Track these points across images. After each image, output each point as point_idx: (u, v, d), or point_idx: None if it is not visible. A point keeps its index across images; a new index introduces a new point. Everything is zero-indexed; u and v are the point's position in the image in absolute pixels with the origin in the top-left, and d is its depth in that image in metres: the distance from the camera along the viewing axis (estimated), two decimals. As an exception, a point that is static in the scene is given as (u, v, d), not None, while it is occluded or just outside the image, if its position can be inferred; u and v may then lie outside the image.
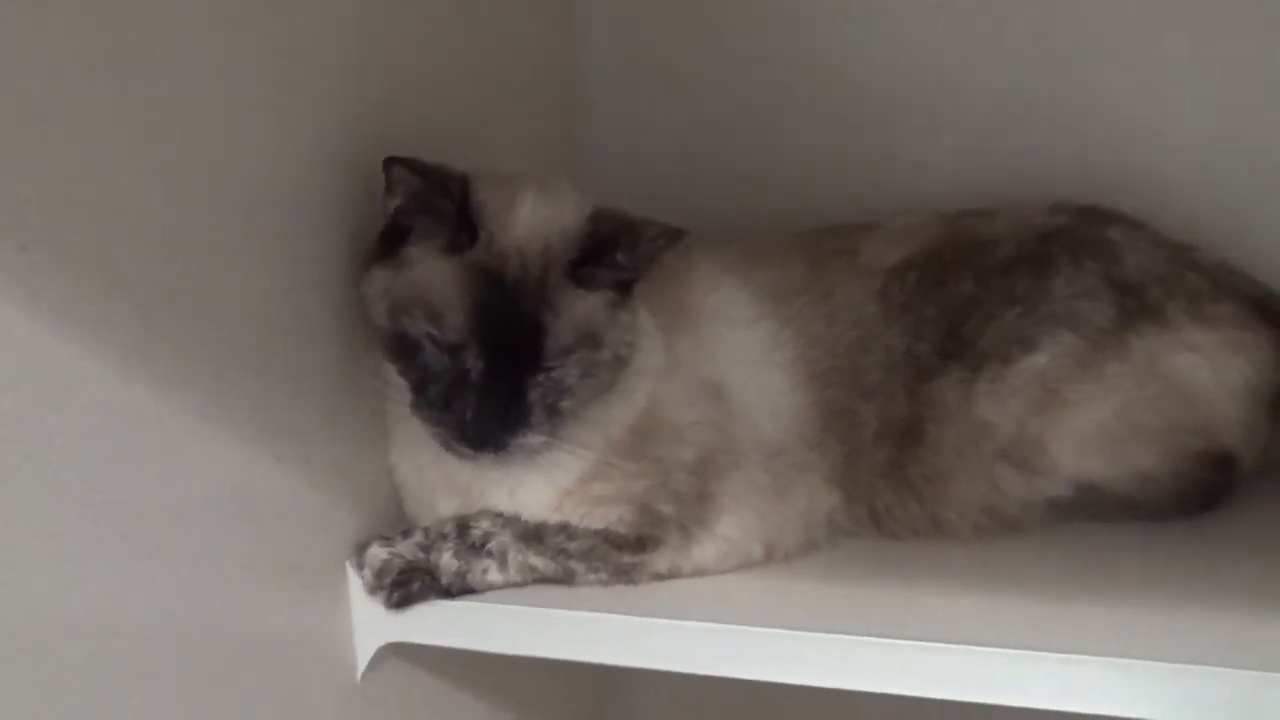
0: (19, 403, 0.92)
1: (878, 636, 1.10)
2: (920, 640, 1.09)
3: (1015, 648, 1.06)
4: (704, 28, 1.74)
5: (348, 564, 1.26)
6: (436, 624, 1.23)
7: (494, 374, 1.17)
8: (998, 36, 1.61)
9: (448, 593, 1.22)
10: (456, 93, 1.45)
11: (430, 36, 1.40)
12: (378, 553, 1.23)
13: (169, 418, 1.05)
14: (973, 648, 1.08)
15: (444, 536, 1.23)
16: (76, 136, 0.96)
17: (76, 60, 0.95)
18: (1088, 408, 1.32)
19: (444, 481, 1.27)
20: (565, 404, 1.20)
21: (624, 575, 1.24)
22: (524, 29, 1.65)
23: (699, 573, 1.27)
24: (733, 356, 1.33)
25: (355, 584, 1.25)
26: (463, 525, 1.23)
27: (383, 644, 1.26)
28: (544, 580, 1.24)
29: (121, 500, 1.01)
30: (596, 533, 1.24)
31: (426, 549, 1.23)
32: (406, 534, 1.25)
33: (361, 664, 1.28)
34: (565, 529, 1.24)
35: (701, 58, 1.74)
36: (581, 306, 1.20)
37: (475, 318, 1.16)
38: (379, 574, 1.22)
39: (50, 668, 0.95)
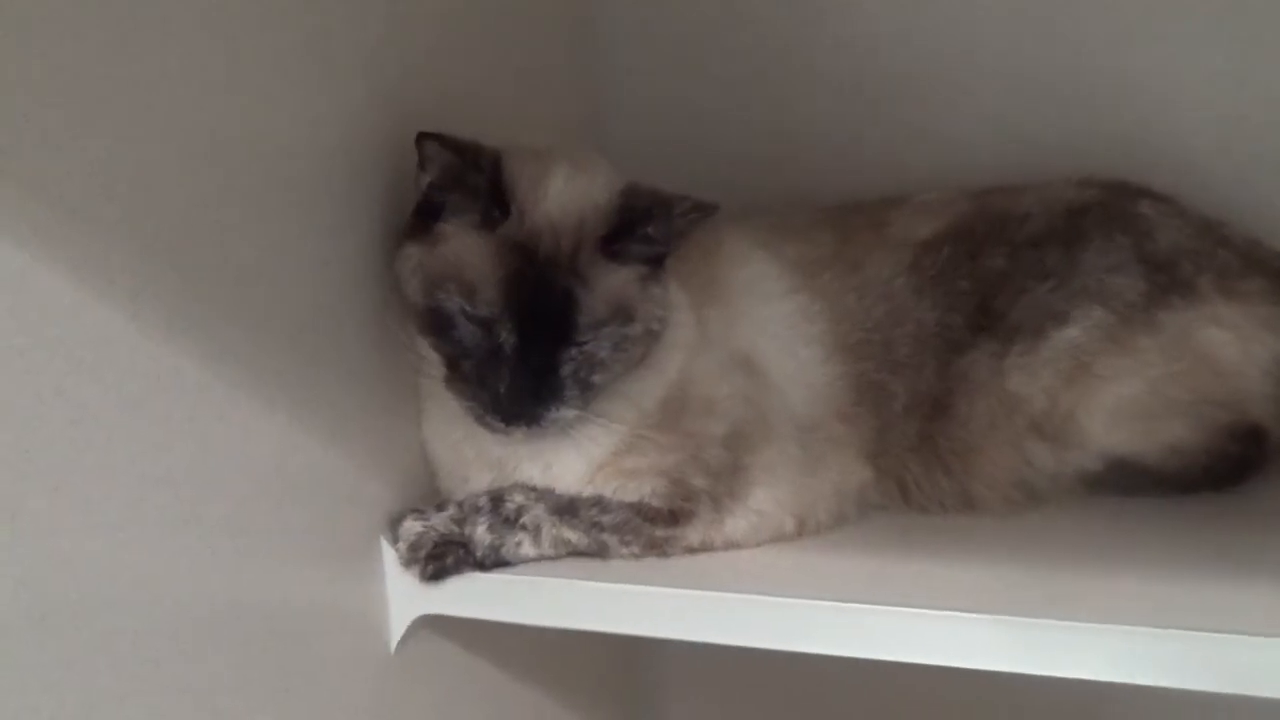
0: (61, 372, 0.93)
1: (908, 607, 1.10)
2: (950, 611, 1.09)
3: (1045, 618, 1.06)
4: (726, 2, 1.73)
5: (382, 537, 1.27)
6: (470, 596, 1.24)
7: (527, 348, 1.17)
8: (1022, 11, 1.60)
9: (481, 566, 1.23)
10: (481, 69, 1.45)
11: (455, 12, 1.40)
12: (412, 526, 1.24)
13: (206, 389, 1.06)
14: (1003, 618, 1.07)
15: (478, 510, 1.24)
16: (115, 111, 0.96)
17: (113, 39, 0.96)
18: (1118, 382, 1.33)
19: (477, 456, 1.28)
20: (597, 378, 1.21)
21: (656, 548, 1.25)
22: (547, 3, 1.65)
23: (731, 546, 1.27)
24: (764, 330, 1.34)
25: (390, 557, 1.26)
26: (496, 498, 1.24)
27: (417, 616, 1.27)
28: (577, 553, 1.25)
29: (159, 471, 1.02)
30: (629, 505, 1.24)
31: (460, 522, 1.24)
32: (440, 507, 1.26)
33: (395, 636, 1.28)
34: (598, 502, 1.24)
35: (724, 32, 1.73)
36: (613, 281, 1.20)
37: (508, 292, 1.17)
38: (413, 547, 1.23)
39: (88, 637, 0.95)
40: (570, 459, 1.25)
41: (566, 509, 1.24)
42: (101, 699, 0.97)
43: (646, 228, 1.21)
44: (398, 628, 1.28)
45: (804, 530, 1.30)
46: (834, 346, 1.35)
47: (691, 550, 1.26)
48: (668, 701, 1.98)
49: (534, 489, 1.25)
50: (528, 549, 1.23)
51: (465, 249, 1.19)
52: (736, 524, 1.27)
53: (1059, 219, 1.40)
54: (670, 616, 1.19)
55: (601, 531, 1.24)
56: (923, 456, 1.36)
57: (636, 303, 1.22)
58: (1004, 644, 1.08)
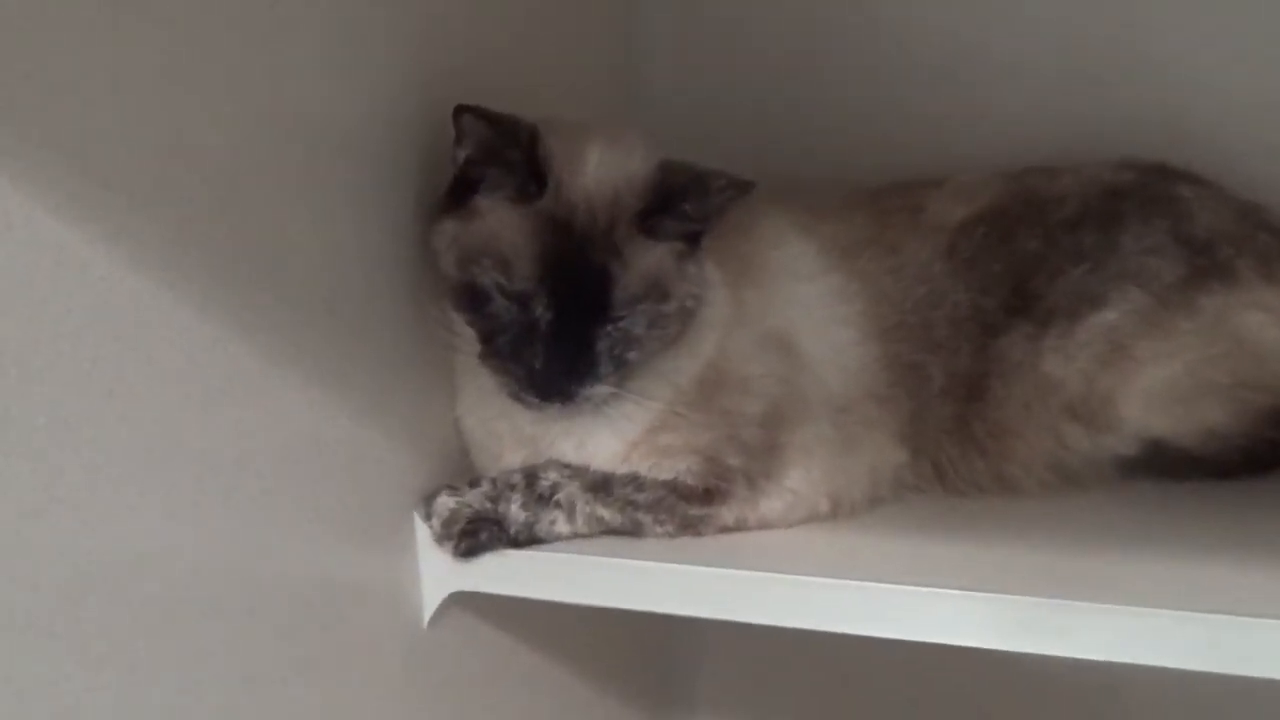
0: (99, 343, 0.93)
1: (940, 588, 1.10)
2: (983, 592, 1.08)
3: (1079, 601, 1.06)
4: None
5: (415, 513, 1.26)
6: (503, 573, 1.23)
7: (562, 324, 1.17)
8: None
9: (515, 543, 1.22)
10: (518, 42, 1.44)
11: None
12: (445, 502, 1.24)
13: (241, 362, 1.06)
14: (1037, 600, 1.07)
15: (512, 487, 1.23)
16: (151, 82, 0.96)
17: (149, 10, 0.96)
18: (1156, 365, 1.32)
19: (511, 432, 1.28)
20: (632, 355, 1.20)
21: (691, 527, 1.24)
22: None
23: (765, 525, 1.27)
24: (800, 310, 1.33)
25: (423, 533, 1.26)
26: (531, 476, 1.24)
27: (449, 593, 1.27)
28: (611, 531, 1.24)
29: (194, 443, 1.02)
30: (664, 484, 1.24)
31: (494, 499, 1.23)
32: (474, 484, 1.25)
33: (428, 612, 1.28)
34: (633, 480, 1.24)
35: (761, 9, 1.72)
36: (649, 257, 1.20)
37: (544, 267, 1.17)
38: (447, 523, 1.23)
39: (122, 609, 0.96)
40: (605, 436, 1.25)
41: (601, 486, 1.24)
42: (136, 669, 0.97)
43: (683, 204, 1.20)
44: (430, 604, 1.28)
45: (838, 511, 1.29)
46: (870, 328, 1.35)
47: (726, 529, 1.26)
48: (699, 680, 1.97)
49: (568, 466, 1.25)
50: (562, 526, 1.23)
51: (501, 223, 1.19)
52: (771, 504, 1.27)
53: (1096, 201, 1.39)
54: (703, 595, 1.19)
55: (636, 510, 1.23)
56: (958, 438, 1.35)
57: (672, 280, 1.21)
58: (1038, 626, 1.08)
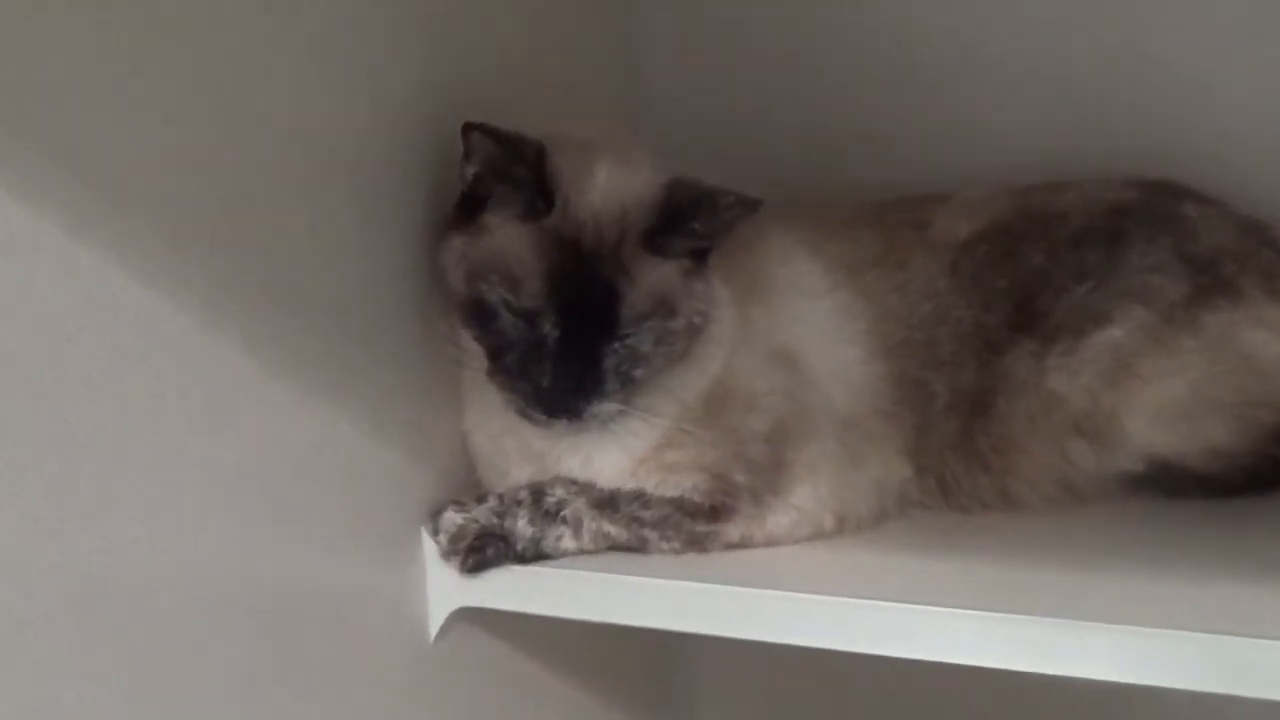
0: (108, 358, 0.94)
1: (946, 606, 1.10)
2: (988, 610, 1.08)
3: (1083, 620, 1.06)
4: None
5: (422, 528, 1.27)
6: (510, 589, 1.24)
7: (570, 341, 1.17)
8: (1067, 7, 1.60)
9: (522, 558, 1.23)
10: (525, 58, 1.45)
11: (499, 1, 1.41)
12: (453, 518, 1.24)
13: (249, 376, 1.07)
14: (1041, 620, 1.07)
15: (519, 503, 1.24)
16: (158, 96, 0.97)
17: (158, 22, 0.97)
18: (1160, 382, 1.32)
19: (518, 448, 1.28)
20: (639, 372, 1.20)
21: (696, 544, 1.25)
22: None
23: (771, 542, 1.27)
24: (806, 327, 1.33)
25: (429, 548, 1.26)
26: (537, 491, 1.24)
27: (456, 608, 1.27)
28: (617, 548, 1.24)
29: (200, 456, 1.03)
30: (670, 500, 1.24)
31: (501, 515, 1.23)
32: (481, 499, 1.26)
33: (434, 627, 1.29)
34: (640, 496, 1.24)
35: (765, 26, 1.72)
36: (657, 274, 1.20)
37: (551, 284, 1.17)
38: (454, 539, 1.23)
39: (129, 620, 0.96)
40: (611, 453, 1.25)
41: (607, 503, 1.24)
42: (142, 680, 0.98)
43: (691, 222, 1.20)
44: (437, 619, 1.28)
45: (844, 527, 1.30)
46: (875, 345, 1.35)
47: (731, 546, 1.26)
48: (703, 695, 1.97)
49: (575, 482, 1.25)
50: (568, 542, 1.23)
51: (509, 240, 1.19)
52: (777, 520, 1.27)
53: (1100, 219, 1.39)
54: (709, 612, 1.19)
55: (642, 526, 1.24)
56: (963, 454, 1.35)
57: (679, 297, 1.21)
58: (1041, 645, 1.07)
